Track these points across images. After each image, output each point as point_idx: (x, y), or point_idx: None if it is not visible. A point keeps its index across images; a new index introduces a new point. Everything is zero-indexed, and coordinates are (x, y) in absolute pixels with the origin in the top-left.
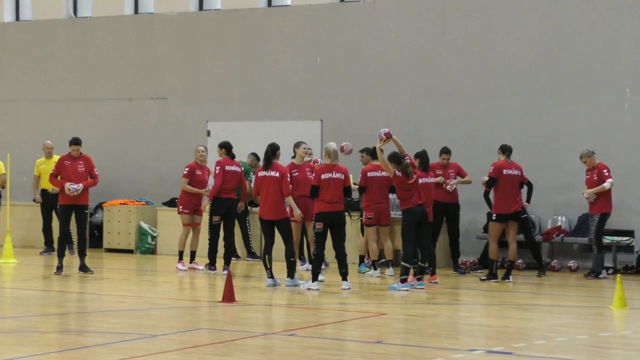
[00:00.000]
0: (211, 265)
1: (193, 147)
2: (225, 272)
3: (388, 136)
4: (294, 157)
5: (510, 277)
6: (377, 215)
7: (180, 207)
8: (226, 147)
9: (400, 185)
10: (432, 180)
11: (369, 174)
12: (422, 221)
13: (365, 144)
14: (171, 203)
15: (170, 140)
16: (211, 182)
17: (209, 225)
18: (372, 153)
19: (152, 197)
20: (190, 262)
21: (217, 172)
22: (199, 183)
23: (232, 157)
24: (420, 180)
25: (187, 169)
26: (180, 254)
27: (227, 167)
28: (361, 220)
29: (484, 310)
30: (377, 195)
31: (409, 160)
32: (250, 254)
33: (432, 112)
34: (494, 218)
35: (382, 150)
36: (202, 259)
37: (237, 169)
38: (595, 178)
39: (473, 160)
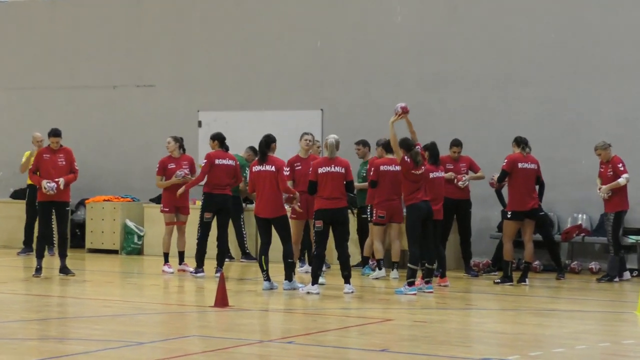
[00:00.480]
0: (198, 268)
1: (184, 138)
2: (218, 274)
3: (405, 111)
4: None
5: (527, 279)
6: (389, 213)
7: (161, 205)
8: (219, 139)
9: (407, 174)
10: (443, 174)
11: (381, 168)
12: (427, 219)
13: (368, 136)
14: (159, 200)
15: (158, 132)
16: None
17: (200, 222)
18: (386, 146)
19: (138, 193)
20: (180, 264)
21: (202, 165)
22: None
23: (226, 149)
24: (430, 175)
25: (158, 165)
26: (166, 255)
27: (217, 161)
28: (365, 217)
29: (497, 316)
30: (389, 190)
31: (419, 149)
32: (245, 254)
33: (441, 102)
34: (508, 216)
35: (393, 127)
36: (192, 260)
37: (230, 162)
38: (610, 173)
39: (486, 153)
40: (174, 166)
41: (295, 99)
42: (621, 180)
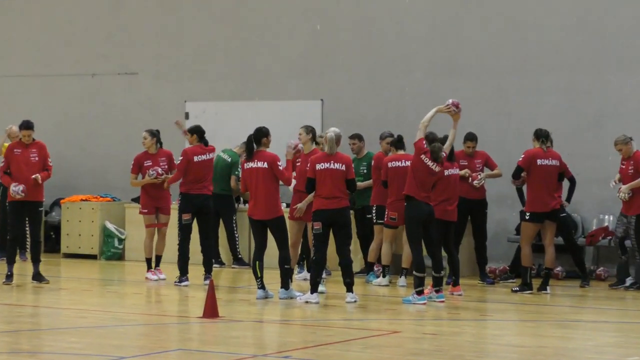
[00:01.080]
0: (181, 276)
1: (169, 132)
2: (207, 281)
3: (454, 105)
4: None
5: (548, 287)
6: (402, 215)
7: (140, 206)
8: (197, 132)
9: (419, 163)
10: (459, 171)
11: (390, 165)
12: (428, 222)
13: (373, 128)
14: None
15: (141, 124)
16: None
17: (179, 225)
18: (395, 143)
19: (119, 192)
20: (154, 268)
21: (177, 162)
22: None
23: (205, 143)
24: (445, 172)
25: (132, 162)
26: (148, 261)
27: (195, 158)
28: (370, 218)
29: (516, 328)
30: (401, 189)
31: (443, 150)
32: (237, 260)
33: (453, 91)
34: (527, 217)
35: (434, 114)
36: (170, 266)
37: (210, 156)
38: (631, 171)
39: (503, 148)
40: (151, 163)
41: (292, 88)
42: None
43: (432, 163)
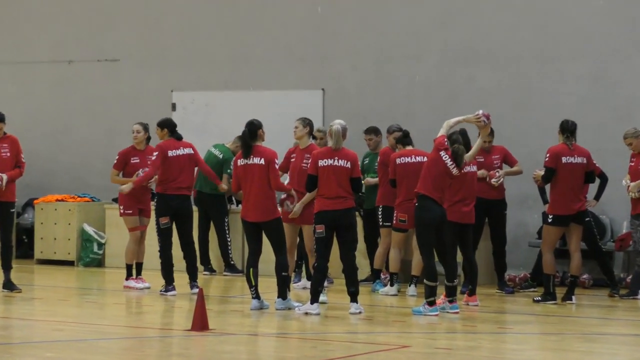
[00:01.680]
0: (167, 285)
1: (154, 125)
2: (195, 290)
3: (487, 118)
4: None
5: (573, 297)
6: (412, 216)
7: (122, 207)
8: (168, 126)
9: (437, 160)
10: (476, 169)
11: (398, 161)
12: (441, 225)
13: (380, 122)
14: None
15: (123, 116)
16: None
17: (157, 230)
18: (402, 139)
19: (99, 192)
20: (136, 277)
21: (153, 158)
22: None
23: (178, 137)
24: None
25: (117, 157)
26: (129, 268)
27: (170, 153)
28: (378, 221)
29: (537, 341)
30: (412, 188)
31: (465, 151)
32: (229, 266)
33: (469, 80)
34: (549, 220)
35: (459, 122)
36: (150, 274)
37: (186, 151)
38: None
39: (524, 143)
40: (138, 160)
41: (290, 76)
42: None
43: (452, 164)
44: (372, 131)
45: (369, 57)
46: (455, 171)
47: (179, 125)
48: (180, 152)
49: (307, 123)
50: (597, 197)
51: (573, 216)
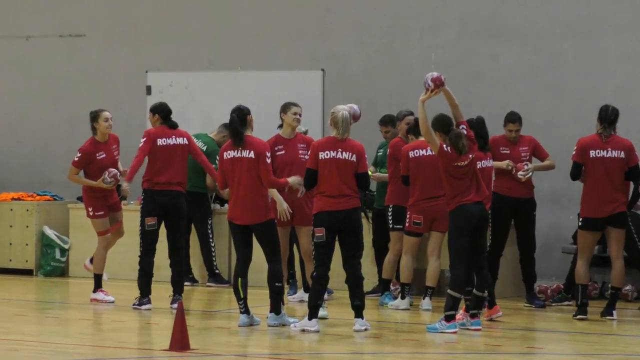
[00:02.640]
0: (142, 297)
1: (126, 111)
2: (175, 305)
3: (438, 84)
4: (280, 126)
5: (614, 312)
6: (428, 218)
7: (91, 208)
8: (160, 112)
9: (448, 168)
10: (493, 163)
11: (411, 154)
12: (480, 227)
13: (387, 107)
14: None
15: (89, 100)
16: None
17: (141, 232)
18: (413, 129)
19: (61, 189)
20: (94, 290)
21: (140, 145)
22: (103, 170)
23: (172, 126)
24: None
25: (79, 154)
26: (98, 278)
27: (160, 141)
28: (387, 223)
29: None
30: (428, 185)
31: (464, 130)
32: (214, 276)
33: (493, 59)
34: (580, 224)
35: (423, 106)
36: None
37: (180, 141)
38: None
39: (557, 132)
40: (104, 155)
41: (285, 54)
42: None
43: (460, 160)
44: (389, 121)
45: (375, 32)
46: (465, 163)
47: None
48: (171, 141)
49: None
50: (631, 204)
51: (608, 219)
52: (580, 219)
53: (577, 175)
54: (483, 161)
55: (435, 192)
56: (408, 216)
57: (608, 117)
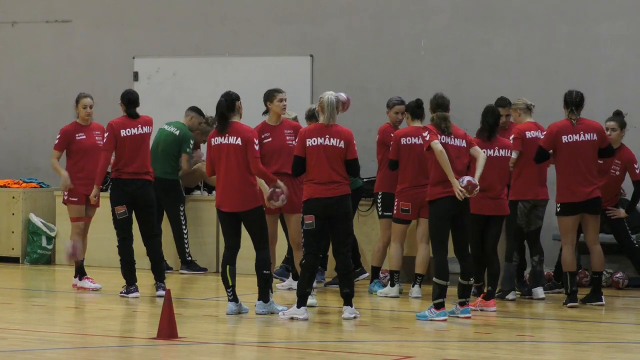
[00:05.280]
0: (128, 285)
1: (111, 98)
2: (161, 292)
3: (470, 189)
4: (265, 112)
5: (602, 297)
6: (417, 206)
7: (66, 193)
8: (124, 100)
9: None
10: (502, 154)
11: (403, 141)
12: (460, 212)
13: (378, 94)
14: None
15: (76, 87)
16: None
17: (113, 221)
18: (412, 109)
19: (47, 177)
20: (80, 278)
21: (104, 140)
22: (87, 154)
23: (132, 115)
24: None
25: (59, 135)
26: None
27: (123, 132)
28: (378, 210)
29: (561, 351)
30: (416, 173)
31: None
32: (186, 263)
33: (485, 44)
34: (558, 210)
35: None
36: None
37: (143, 130)
38: None
39: (549, 118)
40: (84, 136)
41: (273, 40)
42: None
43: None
44: (401, 104)
45: (365, 17)
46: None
47: (142, 98)
48: (135, 131)
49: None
50: (630, 208)
51: (583, 204)
52: (559, 205)
53: (540, 160)
54: (489, 150)
55: (422, 180)
56: (396, 203)
57: (573, 100)
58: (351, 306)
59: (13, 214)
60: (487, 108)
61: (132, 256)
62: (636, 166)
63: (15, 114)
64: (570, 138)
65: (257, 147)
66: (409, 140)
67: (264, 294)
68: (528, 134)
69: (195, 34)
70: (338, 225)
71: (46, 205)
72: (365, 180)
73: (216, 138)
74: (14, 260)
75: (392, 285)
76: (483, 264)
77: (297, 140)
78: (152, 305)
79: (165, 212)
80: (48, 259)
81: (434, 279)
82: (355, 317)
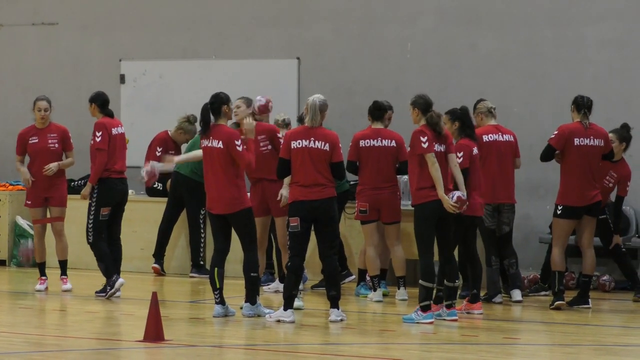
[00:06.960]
0: (108, 279)
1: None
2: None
3: (460, 204)
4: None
5: (589, 300)
6: (374, 207)
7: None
8: (96, 101)
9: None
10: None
11: (361, 143)
12: (445, 215)
13: (364, 96)
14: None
15: (62, 89)
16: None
17: (92, 222)
18: (371, 111)
19: None
20: (61, 277)
21: (98, 140)
22: (40, 156)
23: (110, 115)
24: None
25: (17, 139)
26: (41, 266)
27: (114, 130)
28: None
29: (548, 354)
30: (373, 175)
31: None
32: (197, 267)
33: (471, 47)
34: (559, 212)
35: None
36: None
37: (122, 130)
38: None
39: (535, 121)
40: (37, 140)
41: (260, 42)
42: None
43: (437, 143)
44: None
45: (352, 20)
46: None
47: (129, 100)
48: (120, 130)
49: (250, 102)
50: (616, 227)
51: (586, 208)
52: (560, 207)
53: (548, 159)
54: (474, 149)
55: (380, 183)
56: (356, 205)
57: (585, 103)
58: (338, 309)
59: (0, 217)
60: (464, 109)
61: (106, 249)
62: (629, 183)
63: (1, 117)
64: (582, 141)
65: (240, 148)
66: (367, 143)
67: (251, 296)
68: (485, 138)
69: (182, 36)
70: (324, 228)
71: None
72: (351, 183)
73: (203, 141)
74: (1, 262)
75: (375, 289)
76: (463, 265)
77: (282, 142)
78: (139, 308)
79: (186, 213)
80: (34, 262)
81: (420, 281)
82: (342, 320)
